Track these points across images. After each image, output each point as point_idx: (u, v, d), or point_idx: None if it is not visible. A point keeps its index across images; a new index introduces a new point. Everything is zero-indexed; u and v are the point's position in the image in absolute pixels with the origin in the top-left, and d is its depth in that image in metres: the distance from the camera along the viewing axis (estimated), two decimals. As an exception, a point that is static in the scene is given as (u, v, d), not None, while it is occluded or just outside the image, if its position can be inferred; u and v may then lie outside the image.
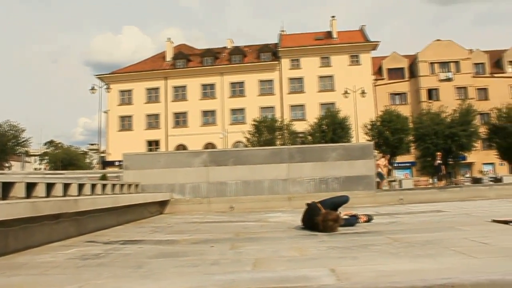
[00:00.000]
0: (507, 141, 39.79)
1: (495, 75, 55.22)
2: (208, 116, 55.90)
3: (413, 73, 56.50)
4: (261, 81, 55.56)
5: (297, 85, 55.24)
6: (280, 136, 44.23)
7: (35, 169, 72.31)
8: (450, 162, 40.61)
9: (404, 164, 49.75)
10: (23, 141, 48.81)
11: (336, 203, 6.01)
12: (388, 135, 39.79)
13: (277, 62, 55.91)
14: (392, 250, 3.80)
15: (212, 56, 58.45)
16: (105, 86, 48.55)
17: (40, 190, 5.69)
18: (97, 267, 3.42)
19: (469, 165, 51.03)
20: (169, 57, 59.73)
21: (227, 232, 5.94)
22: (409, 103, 55.64)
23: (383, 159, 22.24)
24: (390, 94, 55.85)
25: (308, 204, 5.94)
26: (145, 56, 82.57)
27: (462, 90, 53.87)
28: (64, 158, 59.19)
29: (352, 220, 6.01)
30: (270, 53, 57.63)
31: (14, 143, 47.72)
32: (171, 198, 10.94)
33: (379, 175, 20.78)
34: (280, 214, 8.96)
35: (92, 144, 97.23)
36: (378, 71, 56.67)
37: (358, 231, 5.43)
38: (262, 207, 10.57)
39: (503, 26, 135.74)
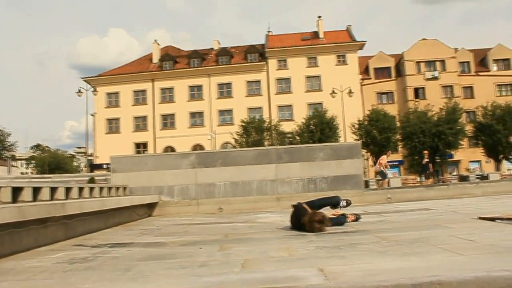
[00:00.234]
0: (492, 139, 40.25)
1: (480, 73, 55.77)
2: (196, 118, 55.73)
3: (400, 72, 56.86)
4: (248, 82, 55.52)
5: (284, 85, 55.29)
6: (268, 137, 44.25)
7: (22, 173, 71.65)
8: (437, 160, 40.95)
9: (392, 163, 49.86)
10: (9, 145, 48.33)
11: (325, 204, 6.01)
12: (376, 134, 40.03)
13: (264, 62, 55.90)
14: (380, 249, 3.82)
15: (199, 57, 58.30)
16: (91, 89, 48.23)
17: (27, 194, 5.64)
18: (85, 271, 3.40)
19: (456, 163, 51.48)
20: (156, 59, 59.44)
21: (216, 234, 5.94)
22: (396, 102, 55.97)
23: (385, 157, 21.45)
24: (377, 93, 56.14)
25: (293, 206, 5.94)
26: (132, 58, 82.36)
27: (448, 88, 54.33)
28: (51, 162, 58.58)
29: (341, 219, 5.99)
30: (257, 54, 57.61)
31: (0, 147, 47.19)
32: (159, 200, 10.90)
33: (381, 173, 20.42)
34: (268, 214, 8.97)
35: (79, 147, 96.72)
36: (365, 71, 56.93)
37: (346, 230, 5.45)
38: (251, 208, 10.56)
39: (487, 25, 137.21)
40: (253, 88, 55.63)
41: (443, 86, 54.47)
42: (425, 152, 29.46)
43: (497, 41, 70.63)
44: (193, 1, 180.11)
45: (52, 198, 6.33)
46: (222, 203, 10.87)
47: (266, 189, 11.08)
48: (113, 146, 48.25)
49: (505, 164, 45.92)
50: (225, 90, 55.92)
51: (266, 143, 42.83)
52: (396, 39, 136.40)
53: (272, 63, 55.58)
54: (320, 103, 50.22)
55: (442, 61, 55.27)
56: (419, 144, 38.77)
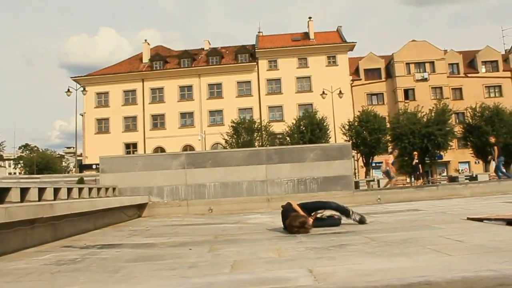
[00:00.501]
0: (481, 140, 40.52)
1: (469, 75, 56.23)
2: (186, 118, 55.65)
3: (390, 73, 57.17)
4: (239, 82, 55.54)
5: (274, 86, 55.39)
6: (259, 138, 44.29)
7: (10, 173, 71.06)
8: (427, 161, 41.20)
9: (382, 164, 50.14)
10: (-4, 145, 47.92)
11: (316, 208, 5.98)
12: (366, 135, 40.21)
13: (254, 63, 55.95)
14: (369, 250, 3.83)
15: (189, 57, 58.21)
16: (81, 89, 47.97)
17: (14, 195, 5.59)
18: (73, 273, 3.37)
19: (446, 164, 51.87)
20: (146, 58, 59.26)
21: (206, 235, 5.92)
22: (386, 103, 56.24)
23: (391, 156, 20.87)
24: (367, 94, 56.39)
25: (282, 206, 5.94)
26: (122, 57, 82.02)
27: (437, 90, 54.73)
28: (39, 162, 58.21)
29: (336, 221, 5.94)
30: (247, 54, 57.63)
31: (-13, 147, 46.82)
32: (149, 201, 10.85)
33: (387, 173, 20.00)
34: (259, 215, 8.96)
35: (68, 148, 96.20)
36: (355, 72, 57.16)
37: (336, 231, 5.46)
38: (241, 208, 10.55)
39: (476, 27, 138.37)
40: (244, 89, 55.67)
41: (432, 88, 54.86)
42: (415, 153, 29.61)
43: (485, 43, 71.33)
44: (184, 1, 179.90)
45: (40, 199, 6.28)
46: (212, 204, 10.84)
47: (256, 190, 11.06)
48: (102, 146, 48.03)
49: (493, 165, 46.17)
50: (215, 91, 55.92)
51: (256, 143, 42.88)
52: (386, 41, 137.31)
53: (263, 63, 55.65)
54: (311, 104, 50.43)
55: (432, 63, 55.66)
56: (408, 145, 38.97)
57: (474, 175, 27.70)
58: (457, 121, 47.11)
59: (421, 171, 28.50)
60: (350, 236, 4.92)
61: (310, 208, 5.88)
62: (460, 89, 55.56)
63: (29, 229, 4.93)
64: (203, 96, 55.55)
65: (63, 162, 78.51)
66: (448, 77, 55.52)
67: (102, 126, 56.07)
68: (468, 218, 5.85)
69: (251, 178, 11.10)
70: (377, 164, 48.31)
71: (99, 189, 9.61)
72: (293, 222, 5.29)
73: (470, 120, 42.93)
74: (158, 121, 55.78)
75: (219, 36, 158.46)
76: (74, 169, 63.82)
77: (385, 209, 8.87)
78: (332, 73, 52.89)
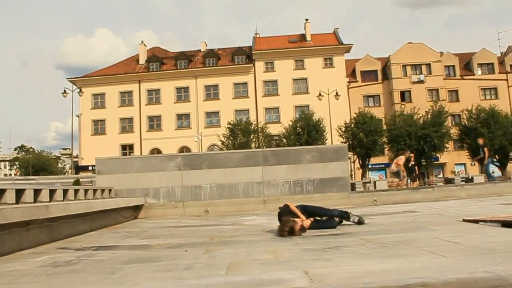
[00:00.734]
0: (477, 142, 40.58)
1: (465, 77, 56.34)
2: (183, 120, 55.54)
3: (386, 75, 57.21)
4: (235, 84, 55.48)
5: (271, 87, 55.35)
6: (255, 139, 44.28)
7: (5, 175, 70.81)
8: (423, 163, 41.28)
9: (378, 166, 50.33)
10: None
11: (316, 214, 6.00)
12: (362, 137, 40.21)
13: (251, 65, 55.91)
14: (365, 251, 3.84)
15: (186, 59, 58.13)
16: (77, 90, 47.83)
17: (9, 196, 5.57)
18: (69, 274, 3.36)
19: (442, 166, 51.96)
20: (142, 60, 59.12)
21: (202, 236, 5.92)
22: (383, 105, 56.26)
23: (402, 157, 19.87)
24: (364, 96, 56.41)
25: (280, 208, 5.95)
26: (118, 59, 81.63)
27: (433, 92, 54.79)
28: (35, 164, 57.93)
29: (332, 223, 5.97)
30: (244, 56, 57.58)
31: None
32: (145, 202, 10.83)
33: (397, 173, 19.66)
34: (255, 217, 8.96)
35: (64, 149, 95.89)
36: (351, 74, 57.17)
37: (332, 232, 5.47)
38: (237, 210, 10.54)
39: (472, 29, 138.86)
40: (240, 90, 55.62)
41: (428, 90, 54.93)
42: (411, 154, 29.64)
43: (481, 45, 71.55)
44: (180, 2, 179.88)
45: (35, 201, 6.26)
46: (208, 206, 10.82)
47: (252, 192, 11.06)
48: (98, 147, 47.89)
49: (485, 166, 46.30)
50: (212, 92, 55.83)
51: (253, 145, 42.87)
52: (382, 43, 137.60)
53: (259, 65, 55.62)
54: (307, 106, 50.42)
55: (428, 65, 55.72)
56: (405, 147, 39.01)
57: (470, 177, 27.74)
58: (453, 123, 47.24)
59: (417, 172, 28.49)
60: (346, 237, 4.93)
61: (309, 211, 5.91)
62: (456, 91, 55.65)
63: (25, 231, 4.91)
64: (200, 98, 55.46)
65: (59, 164, 78.15)
66: (444, 79, 55.63)
67: (99, 127, 55.90)
68: (464, 220, 5.87)
69: (247, 179, 11.10)
70: (373, 166, 48.49)
71: (95, 191, 9.59)
72: (284, 226, 5.37)
73: (466, 122, 43.03)
74: (154, 123, 55.66)
75: (216, 37, 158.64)
76: (70, 170, 63.69)
77: (381, 211, 8.88)
78: (329, 75, 52.86)
